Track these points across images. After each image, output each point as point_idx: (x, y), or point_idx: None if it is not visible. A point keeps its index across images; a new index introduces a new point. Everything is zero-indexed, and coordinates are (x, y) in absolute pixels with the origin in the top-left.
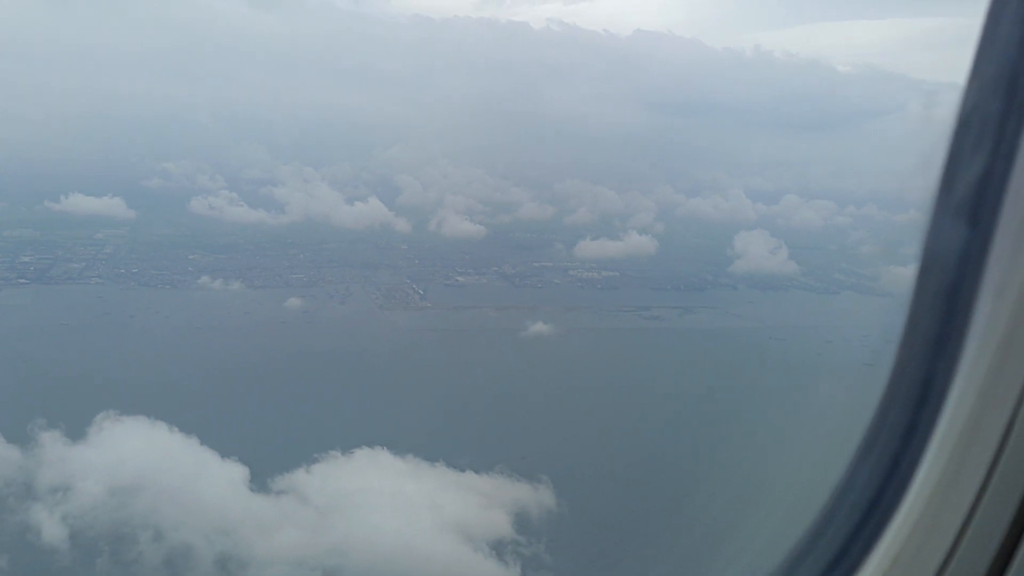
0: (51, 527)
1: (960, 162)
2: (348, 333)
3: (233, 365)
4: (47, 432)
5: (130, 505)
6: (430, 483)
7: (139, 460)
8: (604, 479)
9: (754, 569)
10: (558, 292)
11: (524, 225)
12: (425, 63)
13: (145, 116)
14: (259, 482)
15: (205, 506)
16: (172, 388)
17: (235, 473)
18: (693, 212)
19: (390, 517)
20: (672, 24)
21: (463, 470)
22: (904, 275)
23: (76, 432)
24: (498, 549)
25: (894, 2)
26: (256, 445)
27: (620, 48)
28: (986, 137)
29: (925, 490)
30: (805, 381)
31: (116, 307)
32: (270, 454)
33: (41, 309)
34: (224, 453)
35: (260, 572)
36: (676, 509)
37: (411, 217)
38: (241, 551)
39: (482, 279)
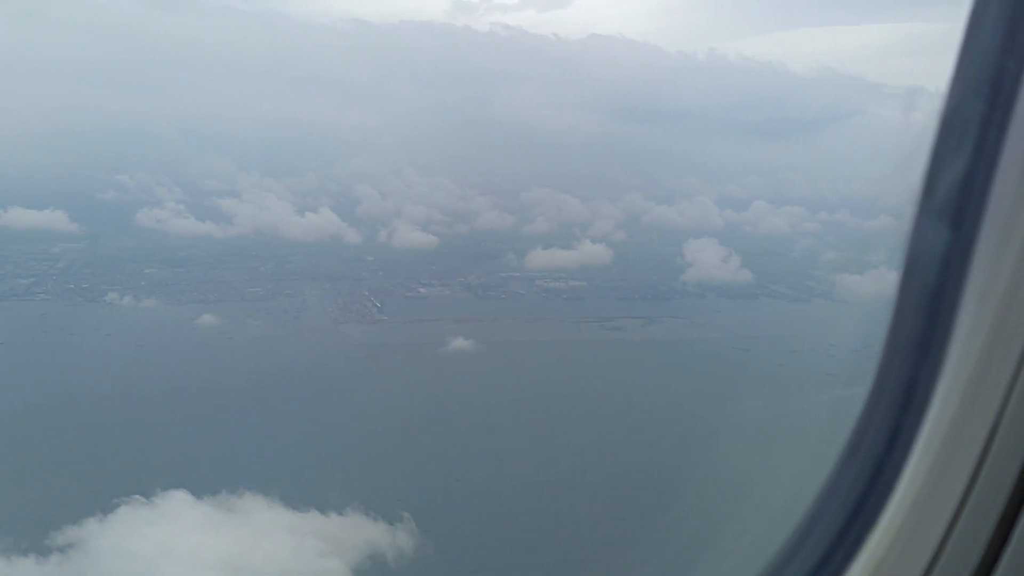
0: None
1: (943, 165)
2: (267, 351)
3: (102, 392)
4: None
5: None
6: (259, 528)
7: None
8: (489, 511)
9: None
10: (522, 303)
11: (483, 235)
12: (374, 71)
13: (103, 128)
14: (32, 538)
15: None
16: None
17: None
18: (659, 220)
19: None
20: (645, 33)
21: (306, 510)
22: (861, 283)
23: None
24: None
25: (861, 8)
26: (53, 492)
27: (573, 52)
28: (969, 140)
29: (909, 495)
30: (764, 393)
31: (56, 325)
32: (65, 502)
33: None
34: None
35: None
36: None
37: (368, 227)
38: None
39: (445, 290)
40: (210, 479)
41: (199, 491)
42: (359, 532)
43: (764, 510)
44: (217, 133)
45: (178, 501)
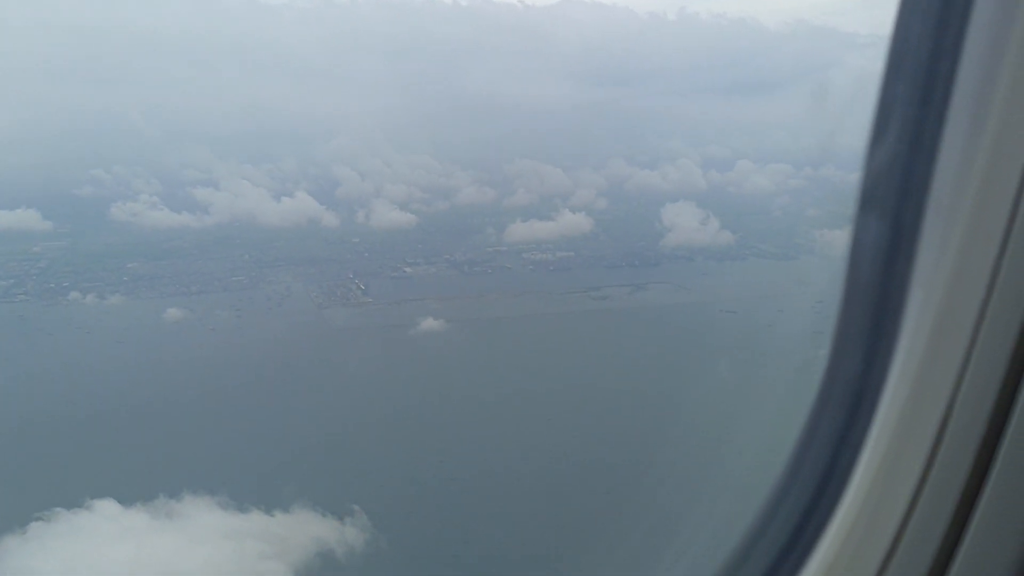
0: None
1: (882, 153)
2: (239, 343)
3: (65, 394)
4: None
5: None
6: (195, 534)
7: None
8: (449, 501)
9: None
10: (508, 277)
11: (464, 210)
12: (344, 47)
13: (74, 124)
14: None
15: None
16: None
17: None
18: (642, 185)
19: None
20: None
21: (248, 510)
22: (847, 237)
23: None
24: None
25: None
26: None
27: (542, 19)
28: (907, 126)
29: (862, 491)
30: (751, 356)
31: (35, 326)
32: None
33: None
34: None
35: None
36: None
37: (346, 209)
38: None
39: (431, 269)
40: (154, 482)
41: (143, 495)
42: (306, 530)
43: (755, 476)
44: (193, 122)
45: (105, 511)
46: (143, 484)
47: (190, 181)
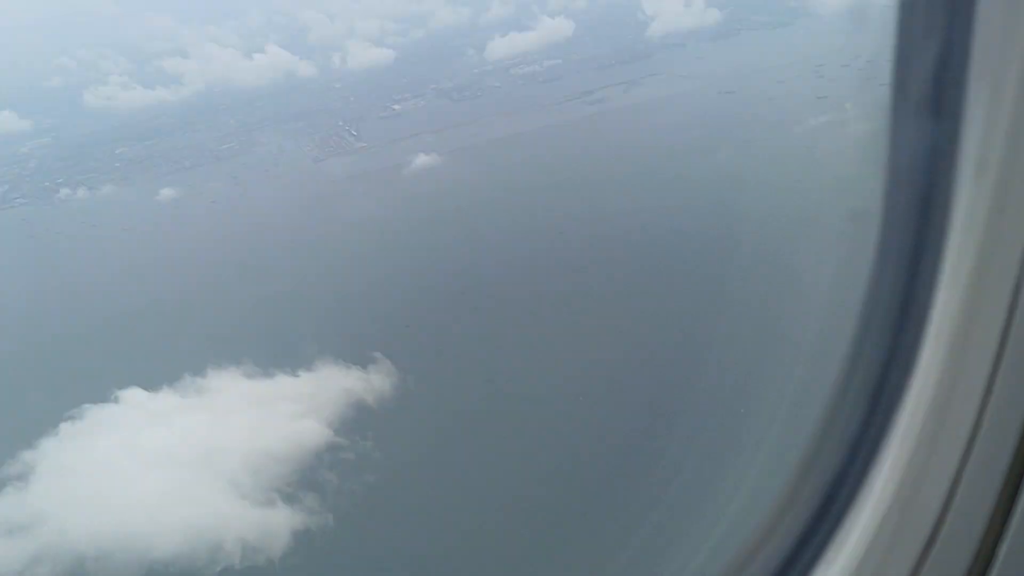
0: None
1: (913, 59)
2: (239, 212)
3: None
4: None
5: None
6: (226, 406)
7: None
8: (470, 332)
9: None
10: (499, 96)
11: (441, 34)
12: None
13: (26, 14)
14: None
15: None
16: None
17: None
18: None
19: (151, 477)
20: None
21: (272, 375)
22: None
23: None
24: (310, 466)
25: None
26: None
27: None
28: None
29: (895, 475)
30: (753, 136)
31: (41, 228)
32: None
33: None
34: None
35: None
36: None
37: (322, 55)
38: None
39: (420, 102)
40: (177, 364)
41: (168, 378)
42: (334, 384)
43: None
44: None
45: (132, 400)
46: (167, 368)
47: (157, 53)
